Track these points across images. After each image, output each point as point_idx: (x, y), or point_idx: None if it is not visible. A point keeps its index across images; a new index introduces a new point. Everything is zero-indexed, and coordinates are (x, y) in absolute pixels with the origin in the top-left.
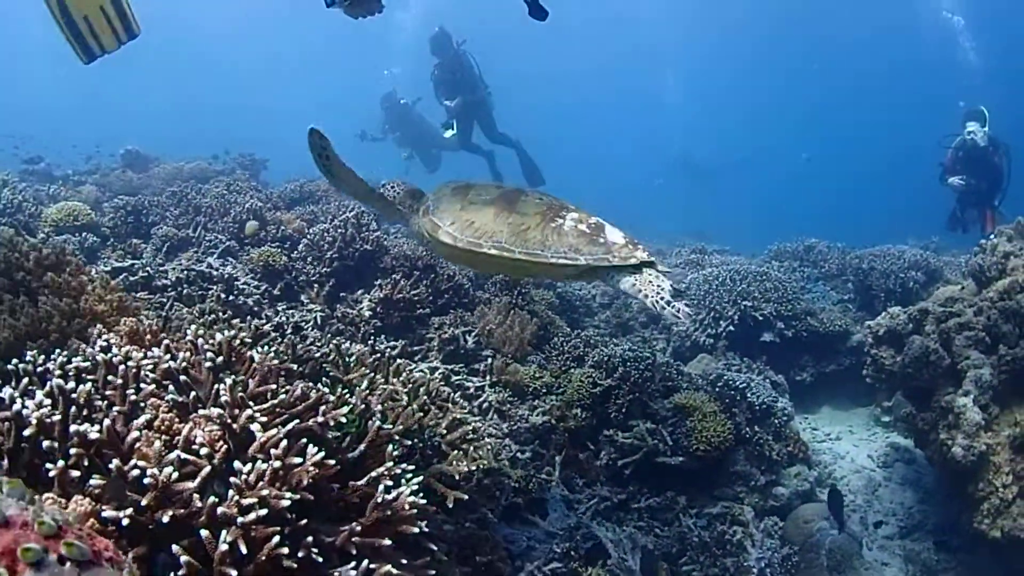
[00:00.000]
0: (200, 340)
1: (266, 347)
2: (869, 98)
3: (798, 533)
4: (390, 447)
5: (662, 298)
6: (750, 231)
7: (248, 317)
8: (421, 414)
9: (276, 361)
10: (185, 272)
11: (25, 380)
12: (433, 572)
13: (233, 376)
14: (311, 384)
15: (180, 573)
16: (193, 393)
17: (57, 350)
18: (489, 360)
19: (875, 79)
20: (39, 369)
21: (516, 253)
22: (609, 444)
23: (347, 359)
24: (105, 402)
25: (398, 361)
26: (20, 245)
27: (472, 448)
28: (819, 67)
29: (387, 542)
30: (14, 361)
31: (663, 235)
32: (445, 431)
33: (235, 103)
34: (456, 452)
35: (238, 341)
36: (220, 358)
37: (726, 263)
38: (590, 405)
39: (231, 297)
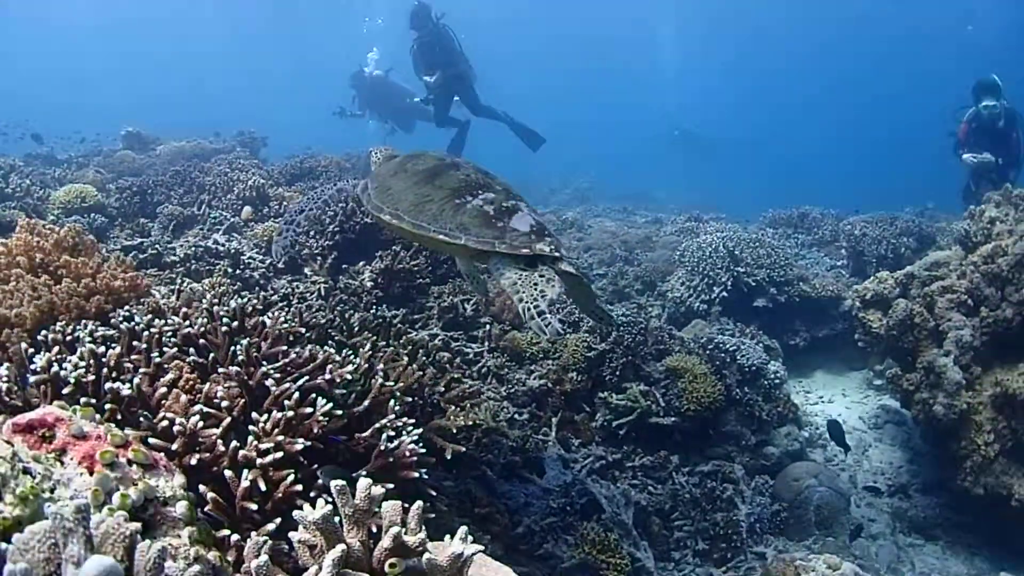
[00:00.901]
0: (215, 307)
1: (275, 314)
2: (877, 68)
3: (788, 490)
4: (392, 402)
5: (536, 305)
6: (750, 201)
7: (256, 289)
8: (420, 373)
9: (286, 326)
10: (193, 248)
11: (56, 348)
12: (433, 515)
13: (248, 339)
14: (319, 347)
15: (207, 508)
16: (212, 355)
17: (84, 320)
18: (487, 327)
19: (882, 49)
20: (67, 338)
21: (404, 222)
22: (604, 406)
23: (351, 324)
24: (132, 364)
25: (399, 325)
26: (37, 227)
27: (469, 405)
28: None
29: (390, 486)
30: (43, 332)
31: (660, 204)
32: (443, 390)
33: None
34: (454, 408)
35: (250, 307)
36: (235, 322)
37: (720, 230)
38: (585, 369)
39: (238, 271)
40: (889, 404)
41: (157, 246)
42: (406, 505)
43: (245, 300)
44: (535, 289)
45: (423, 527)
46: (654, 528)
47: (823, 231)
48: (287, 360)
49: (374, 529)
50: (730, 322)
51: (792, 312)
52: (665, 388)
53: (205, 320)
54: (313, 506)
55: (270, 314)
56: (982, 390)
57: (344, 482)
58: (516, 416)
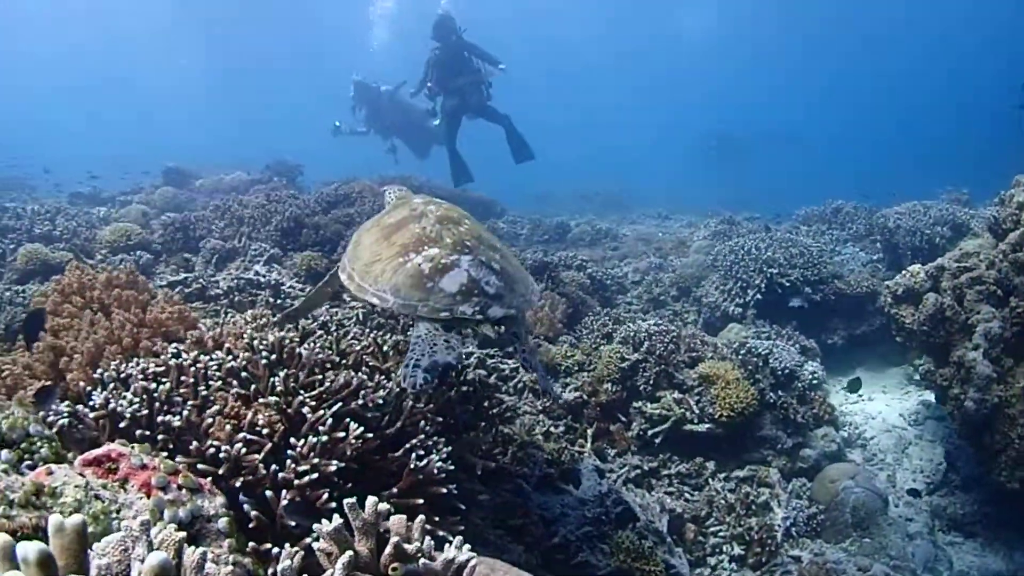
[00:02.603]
0: (255, 341)
1: (312, 343)
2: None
3: (824, 492)
4: (423, 423)
5: (416, 360)
6: (785, 197)
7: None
8: (452, 394)
9: (321, 356)
10: (235, 281)
11: (112, 385)
12: (463, 528)
13: (285, 370)
14: (353, 373)
15: (250, 525)
16: (253, 386)
17: (136, 358)
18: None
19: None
20: (122, 376)
21: (353, 283)
22: (639, 415)
23: (384, 350)
24: (181, 398)
25: None
26: (86, 269)
27: (499, 421)
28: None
29: (420, 501)
30: (99, 370)
31: (695, 205)
32: (474, 408)
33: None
34: (484, 425)
35: (288, 340)
36: (274, 355)
37: (753, 231)
38: (619, 379)
39: (279, 300)
40: (929, 399)
41: (201, 280)
42: (410, 522)
43: (283, 334)
44: (431, 347)
45: (425, 537)
46: (689, 535)
47: (857, 225)
48: (323, 388)
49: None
50: (766, 324)
51: (829, 310)
52: (699, 395)
53: (247, 354)
54: (331, 520)
55: (306, 345)
56: (1015, 383)
57: (354, 499)
58: (552, 429)
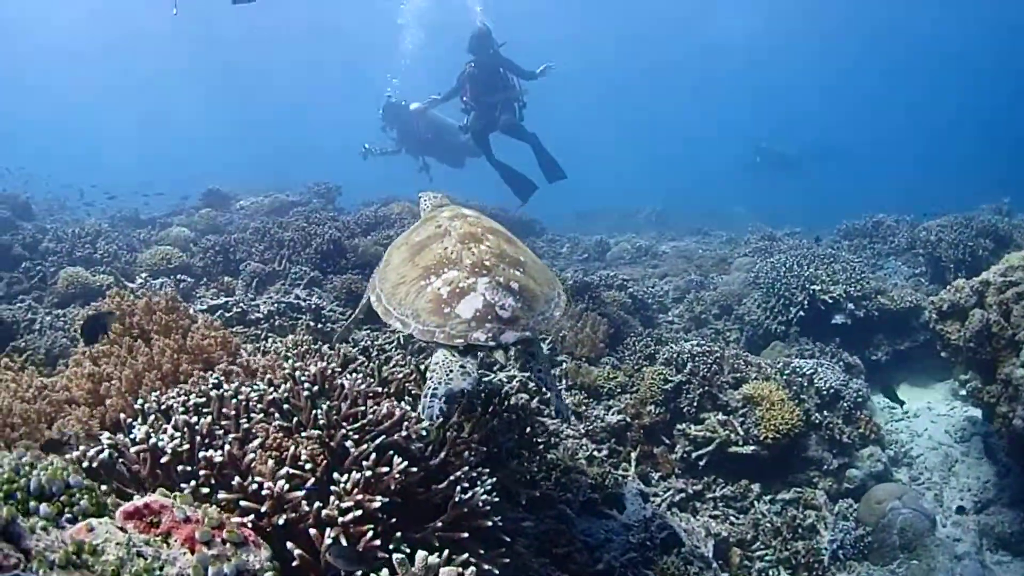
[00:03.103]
0: (297, 372)
1: (354, 373)
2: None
3: (871, 514)
4: (467, 453)
5: (434, 390)
6: (827, 212)
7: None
8: (494, 423)
9: (363, 386)
10: (275, 305)
11: (152, 417)
12: (508, 560)
13: (328, 402)
14: (396, 402)
15: (294, 564)
16: (296, 419)
17: (177, 388)
18: (564, 364)
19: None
20: (162, 407)
21: (380, 306)
22: (683, 437)
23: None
24: (222, 430)
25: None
26: (126, 295)
27: (543, 449)
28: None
29: (465, 535)
30: (139, 401)
31: (736, 221)
32: (517, 436)
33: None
34: (528, 454)
35: (329, 371)
36: (316, 387)
37: (794, 247)
38: (663, 401)
39: (319, 324)
40: (975, 415)
41: (242, 304)
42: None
43: (324, 364)
44: (447, 375)
45: None
46: (735, 559)
47: (899, 239)
48: (365, 420)
49: None
50: (809, 342)
51: (872, 326)
52: (743, 416)
53: (289, 385)
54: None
55: (348, 375)
56: None
57: (404, 556)
58: (595, 453)
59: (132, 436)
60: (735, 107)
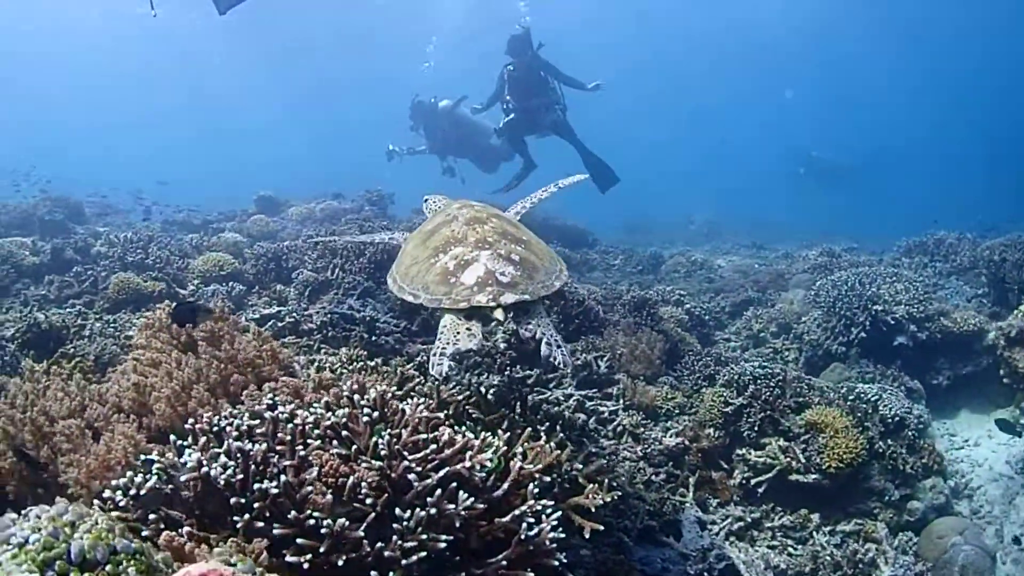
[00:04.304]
0: (356, 396)
1: (413, 396)
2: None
3: (932, 549)
4: (531, 485)
5: (442, 349)
6: (883, 226)
7: (393, 360)
8: (559, 451)
9: (425, 412)
10: (328, 316)
11: (203, 439)
12: None
13: (389, 430)
14: (456, 428)
15: None
16: (355, 446)
17: (229, 409)
18: (621, 384)
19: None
20: (214, 429)
21: (395, 285)
22: (742, 463)
23: (487, 397)
24: (277, 456)
25: (536, 399)
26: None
27: (607, 480)
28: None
29: (530, 574)
30: (190, 421)
31: (789, 233)
32: (581, 465)
33: None
34: (592, 485)
35: (389, 395)
36: (375, 412)
37: (855, 264)
38: (722, 424)
39: (373, 337)
40: None
41: (294, 314)
42: None
43: (384, 388)
44: (454, 336)
45: None
46: None
47: (961, 257)
48: (428, 451)
49: None
50: (869, 364)
51: (934, 349)
52: (805, 443)
53: (347, 409)
54: None
55: (408, 400)
56: None
57: None
58: (653, 477)
59: (183, 461)
60: (783, 110)
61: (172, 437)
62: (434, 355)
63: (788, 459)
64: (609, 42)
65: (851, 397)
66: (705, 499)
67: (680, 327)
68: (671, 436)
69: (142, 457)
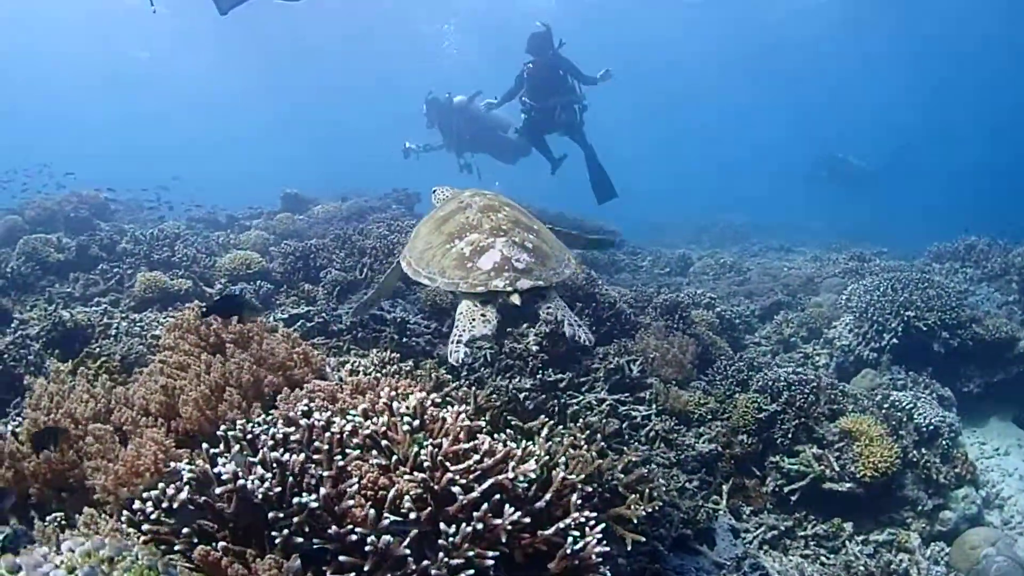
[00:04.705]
0: (395, 403)
1: (452, 404)
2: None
3: (964, 559)
4: (574, 496)
5: (459, 337)
6: (911, 230)
7: (425, 362)
8: (600, 460)
9: (467, 421)
10: (358, 315)
11: (236, 447)
12: None
13: (431, 439)
14: (496, 436)
15: None
16: (395, 457)
17: (261, 417)
18: (653, 388)
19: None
20: (248, 437)
21: (411, 268)
22: (775, 470)
23: (526, 405)
24: (314, 465)
25: (574, 406)
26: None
27: (649, 489)
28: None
29: None
30: (222, 428)
31: (816, 237)
32: (622, 474)
33: None
34: (634, 496)
35: (429, 402)
36: (416, 421)
37: (886, 269)
38: (755, 431)
39: (404, 339)
40: None
41: (323, 315)
42: None
43: (423, 395)
44: (470, 323)
45: None
46: None
47: (992, 264)
48: (470, 462)
49: None
50: (901, 371)
51: (965, 356)
52: (839, 451)
53: (386, 418)
54: None
55: (449, 408)
56: None
57: None
58: (687, 484)
59: (217, 472)
60: (802, 110)
61: (204, 445)
62: (452, 343)
63: (822, 467)
64: (634, 41)
65: (885, 405)
66: (738, 507)
67: (711, 330)
68: (704, 442)
69: (172, 465)
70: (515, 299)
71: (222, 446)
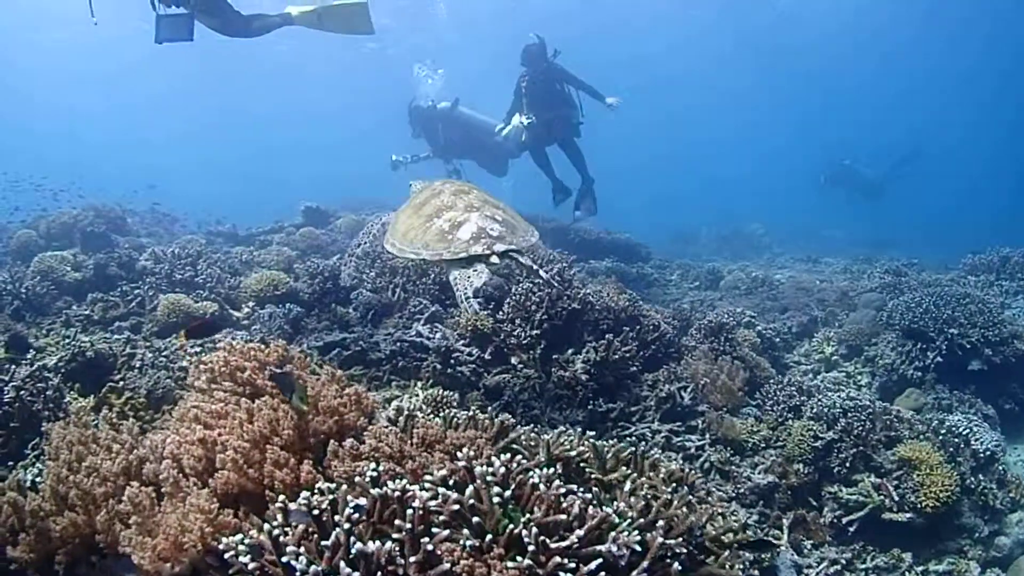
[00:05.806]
0: (478, 467)
1: (518, 453)
2: None
3: None
4: (676, 564)
5: (466, 294)
6: (928, 237)
7: (470, 393)
8: (691, 517)
9: (562, 491)
10: (398, 344)
11: (300, 526)
12: None
13: (527, 514)
14: (592, 501)
15: None
16: (489, 536)
17: (322, 483)
18: (705, 416)
19: None
20: (313, 511)
21: (395, 248)
22: (833, 500)
23: (603, 453)
24: (397, 546)
25: (654, 454)
26: (232, 346)
27: (734, 540)
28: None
29: None
30: (280, 498)
31: (836, 245)
32: (711, 528)
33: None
34: (726, 552)
35: (515, 464)
36: (507, 491)
37: (924, 284)
38: (812, 460)
39: (448, 369)
40: None
41: (361, 343)
42: None
43: (509, 457)
44: (467, 281)
45: None
46: None
47: None
48: (574, 540)
49: None
50: (945, 390)
51: (1007, 373)
52: (898, 480)
53: (472, 490)
54: None
55: (537, 471)
56: None
57: None
58: (748, 520)
59: (286, 562)
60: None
61: (266, 527)
62: (461, 303)
63: (881, 497)
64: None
65: (942, 431)
66: (799, 541)
67: (754, 351)
68: (760, 472)
69: (224, 541)
70: (494, 259)
71: (280, 517)
